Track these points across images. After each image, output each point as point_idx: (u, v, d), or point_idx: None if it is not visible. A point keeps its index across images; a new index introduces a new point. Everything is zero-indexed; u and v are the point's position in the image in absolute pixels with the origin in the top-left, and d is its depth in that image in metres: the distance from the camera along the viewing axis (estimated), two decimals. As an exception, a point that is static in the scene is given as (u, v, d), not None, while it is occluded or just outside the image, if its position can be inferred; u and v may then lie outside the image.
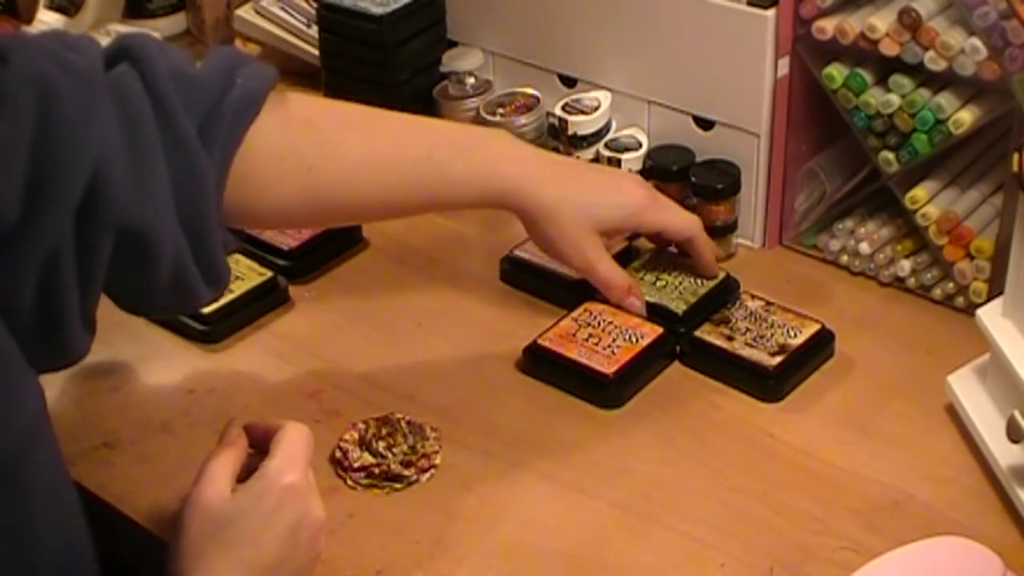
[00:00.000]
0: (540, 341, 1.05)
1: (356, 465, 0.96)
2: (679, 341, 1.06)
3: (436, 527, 0.92)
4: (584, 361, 1.03)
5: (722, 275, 1.10)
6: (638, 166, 1.19)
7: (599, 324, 1.06)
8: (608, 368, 1.02)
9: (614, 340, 1.04)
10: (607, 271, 1.04)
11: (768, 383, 1.02)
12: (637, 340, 1.04)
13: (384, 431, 0.98)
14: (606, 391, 1.02)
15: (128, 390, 1.05)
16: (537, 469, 0.97)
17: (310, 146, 0.95)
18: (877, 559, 0.83)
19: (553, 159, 1.09)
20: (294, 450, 0.83)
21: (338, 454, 0.97)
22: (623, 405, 1.02)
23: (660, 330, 1.05)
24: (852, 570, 0.83)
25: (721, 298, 1.08)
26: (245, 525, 0.80)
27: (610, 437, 1.00)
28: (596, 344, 1.04)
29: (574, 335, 1.05)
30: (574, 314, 1.07)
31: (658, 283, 1.09)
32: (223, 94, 0.90)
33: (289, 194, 0.94)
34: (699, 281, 1.09)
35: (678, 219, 1.07)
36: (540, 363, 1.05)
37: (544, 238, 1.03)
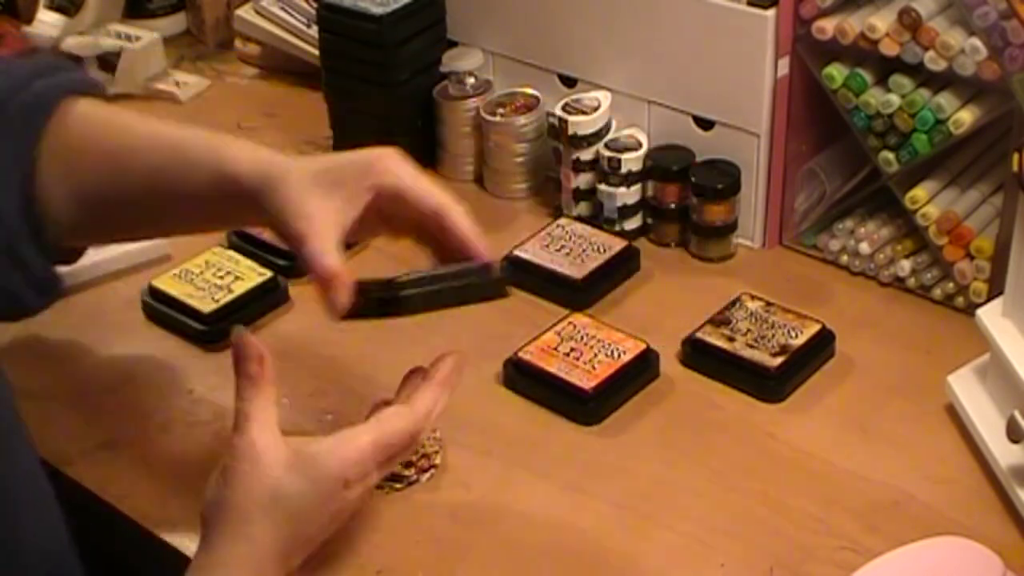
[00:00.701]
0: (521, 354, 1.05)
1: (356, 465, 0.96)
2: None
3: (436, 527, 0.92)
4: (563, 376, 1.02)
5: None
6: (638, 166, 1.19)
7: (581, 338, 1.05)
8: (587, 384, 1.01)
9: (595, 355, 1.03)
10: (319, 249, 0.85)
11: (770, 384, 1.02)
12: (619, 356, 1.03)
13: (384, 431, 0.98)
14: (585, 407, 1.01)
15: (128, 390, 1.05)
16: (537, 469, 0.97)
17: (92, 129, 0.94)
18: (877, 559, 0.83)
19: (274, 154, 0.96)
20: (373, 444, 0.82)
21: (338, 454, 0.97)
22: (602, 421, 1.01)
23: (642, 346, 1.04)
24: (852, 570, 0.83)
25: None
26: (297, 505, 0.79)
27: (610, 437, 1.00)
28: (577, 359, 1.03)
29: (555, 349, 1.05)
30: (557, 327, 1.07)
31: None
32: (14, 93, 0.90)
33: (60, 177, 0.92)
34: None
35: (423, 182, 0.90)
36: (521, 376, 1.04)
37: (271, 209, 0.87)
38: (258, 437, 0.80)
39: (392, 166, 0.88)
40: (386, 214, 0.89)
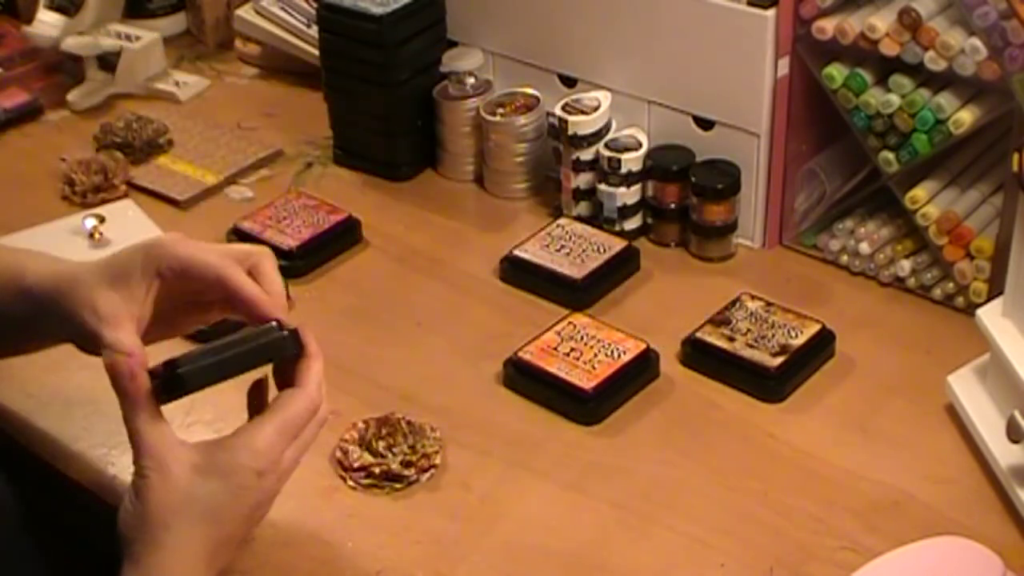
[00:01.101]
0: (521, 354, 1.05)
1: (356, 465, 0.96)
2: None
3: (436, 527, 0.92)
4: (563, 376, 1.02)
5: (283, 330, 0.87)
6: (638, 166, 1.19)
7: (581, 338, 1.05)
8: (587, 384, 1.01)
9: (595, 355, 1.03)
10: (127, 333, 0.83)
11: (770, 384, 1.02)
12: (619, 356, 1.03)
13: (384, 431, 0.98)
14: (585, 407, 1.01)
15: (128, 390, 1.05)
16: (537, 469, 0.97)
17: None
18: (877, 559, 0.83)
19: (56, 266, 0.93)
20: (277, 430, 0.80)
21: (338, 454, 0.98)
22: (602, 421, 1.01)
23: (642, 346, 1.04)
24: (852, 570, 0.83)
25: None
26: (213, 504, 0.79)
27: (610, 437, 1.00)
28: (577, 359, 1.03)
29: (555, 349, 1.05)
30: (557, 327, 1.07)
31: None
32: None
33: None
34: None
35: (205, 255, 0.86)
36: (521, 376, 1.04)
37: (66, 315, 0.85)
38: (158, 447, 0.79)
39: (169, 247, 0.86)
40: (188, 297, 0.88)
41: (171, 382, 0.80)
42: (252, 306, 0.84)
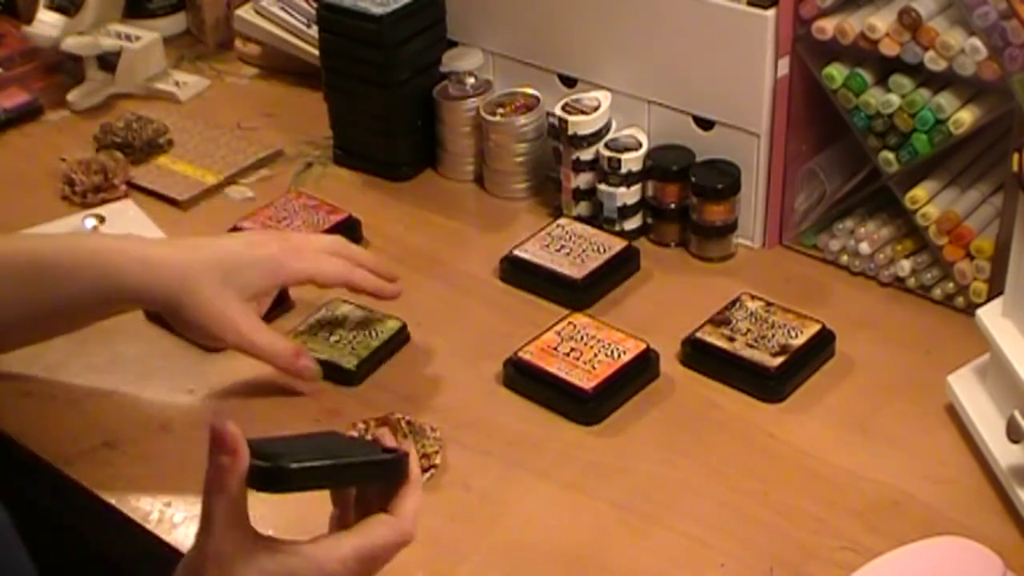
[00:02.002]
0: (521, 354, 1.04)
1: (356, 465, 0.96)
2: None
3: (436, 527, 0.92)
4: (563, 376, 1.02)
5: (397, 325, 1.05)
6: (638, 166, 1.19)
7: (581, 338, 1.05)
8: (587, 384, 1.01)
9: (595, 355, 1.03)
10: (268, 342, 0.96)
11: (770, 384, 1.02)
12: (619, 356, 1.03)
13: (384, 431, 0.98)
14: (585, 407, 1.01)
15: (128, 390, 1.05)
16: (537, 469, 0.97)
17: None
18: (877, 559, 0.83)
19: (172, 241, 1.02)
20: (357, 555, 0.76)
21: (338, 454, 0.97)
22: (602, 421, 1.01)
23: (642, 346, 1.04)
24: (852, 570, 0.83)
25: (396, 344, 1.03)
26: None
27: (610, 437, 1.00)
28: (577, 359, 1.03)
29: (555, 349, 1.04)
30: (557, 327, 1.07)
31: (332, 339, 1.06)
32: None
33: None
34: (373, 334, 1.06)
35: (325, 265, 1.00)
36: (520, 376, 1.04)
37: (190, 325, 0.95)
38: (228, 542, 0.73)
39: (298, 268, 0.97)
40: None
41: (275, 475, 0.73)
42: (377, 293, 1.02)
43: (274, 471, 0.73)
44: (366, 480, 0.80)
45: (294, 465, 0.74)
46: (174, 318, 0.96)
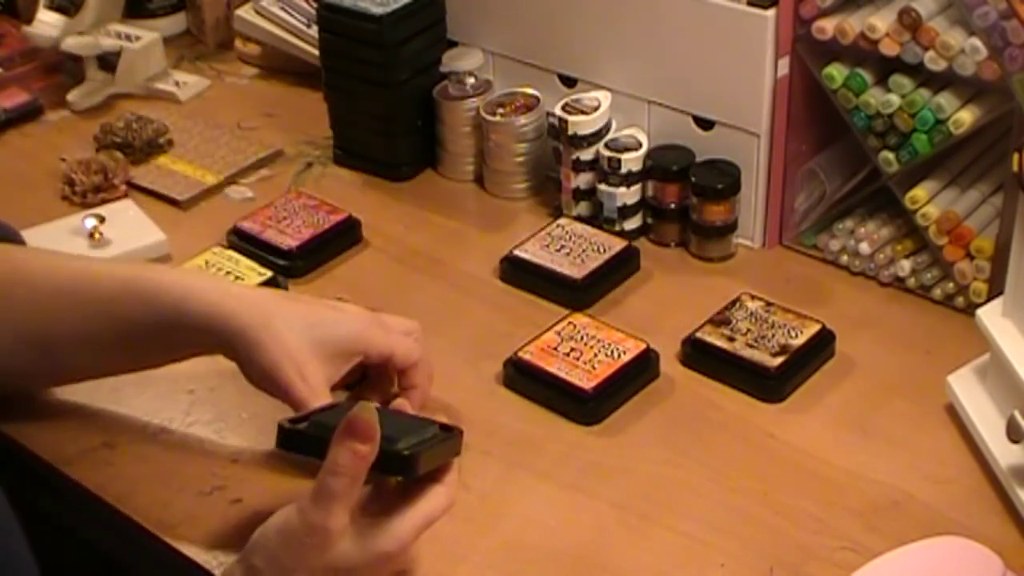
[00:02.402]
0: (521, 354, 1.04)
1: (356, 465, 0.96)
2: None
3: (436, 527, 0.92)
4: (563, 376, 1.02)
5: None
6: (638, 166, 1.19)
7: (581, 338, 1.05)
8: (587, 384, 1.01)
9: (595, 355, 1.03)
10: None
11: (770, 384, 1.02)
12: (619, 356, 1.03)
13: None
14: (585, 407, 1.01)
15: (128, 390, 1.05)
16: (537, 469, 0.97)
17: None
18: (877, 559, 0.83)
19: (259, 290, 1.01)
20: (418, 526, 0.82)
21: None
22: (602, 421, 1.01)
23: (642, 346, 1.04)
24: (852, 570, 0.83)
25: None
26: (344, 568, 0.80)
27: (610, 437, 1.00)
28: (577, 359, 1.03)
29: (555, 349, 1.04)
30: (557, 327, 1.07)
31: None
32: None
33: None
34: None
35: (404, 342, 0.96)
36: (520, 376, 1.04)
37: (257, 368, 0.90)
38: (336, 524, 0.78)
39: (382, 339, 0.94)
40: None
41: (396, 461, 0.79)
42: (423, 391, 0.96)
43: (393, 457, 0.79)
44: (451, 458, 0.86)
45: (408, 451, 0.79)
46: (246, 353, 0.90)
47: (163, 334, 0.93)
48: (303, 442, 0.83)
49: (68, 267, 0.97)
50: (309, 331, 0.90)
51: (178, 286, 0.92)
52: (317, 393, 0.89)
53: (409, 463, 0.80)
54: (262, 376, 0.90)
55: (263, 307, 0.91)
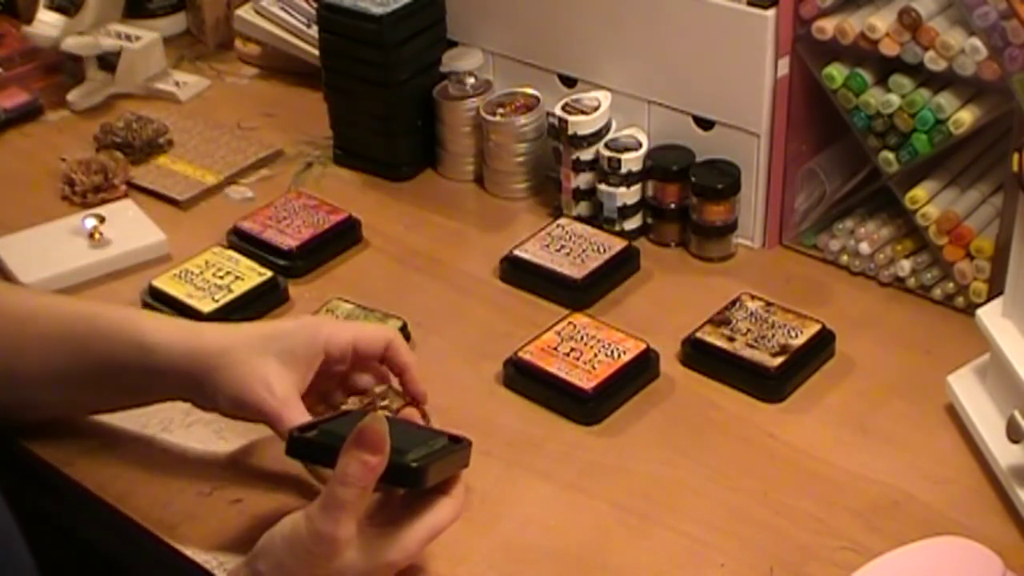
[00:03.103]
0: (521, 354, 1.04)
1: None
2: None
3: (436, 527, 0.92)
4: (563, 376, 1.02)
5: (397, 324, 0.97)
6: (638, 166, 1.19)
7: (581, 338, 1.05)
8: (587, 384, 1.01)
9: (595, 355, 1.03)
10: (302, 414, 0.89)
11: (770, 384, 1.02)
12: (619, 356, 1.03)
13: (384, 431, 0.98)
14: (585, 407, 1.01)
15: (128, 390, 1.05)
16: (537, 469, 0.97)
17: None
18: (877, 559, 0.83)
19: (212, 324, 1.00)
20: (425, 538, 0.83)
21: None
22: (602, 421, 1.01)
23: (642, 346, 1.04)
24: (852, 570, 0.83)
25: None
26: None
27: (610, 437, 1.00)
28: (577, 359, 1.03)
29: (555, 349, 1.04)
30: (557, 327, 1.07)
31: None
32: None
33: None
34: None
35: (368, 327, 0.98)
36: (521, 376, 1.04)
37: (225, 395, 0.90)
38: (344, 534, 0.79)
39: (341, 330, 0.92)
40: (320, 383, 0.93)
41: (405, 473, 0.80)
42: (409, 370, 0.93)
43: (401, 469, 0.79)
44: (460, 470, 0.86)
45: (417, 464, 0.80)
46: (212, 384, 0.90)
47: (127, 375, 0.93)
48: (312, 450, 0.83)
49: (36, 301, 0.98)
50: (268, 346, 0.90)
51: (138, 326, 0.93)
52: (288, 404, 0.88)
53: (418, 475, 0.80)
54: (232, 401, 0.90)
55: (220, 339, 0.91)
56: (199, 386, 0.91)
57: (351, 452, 0.78)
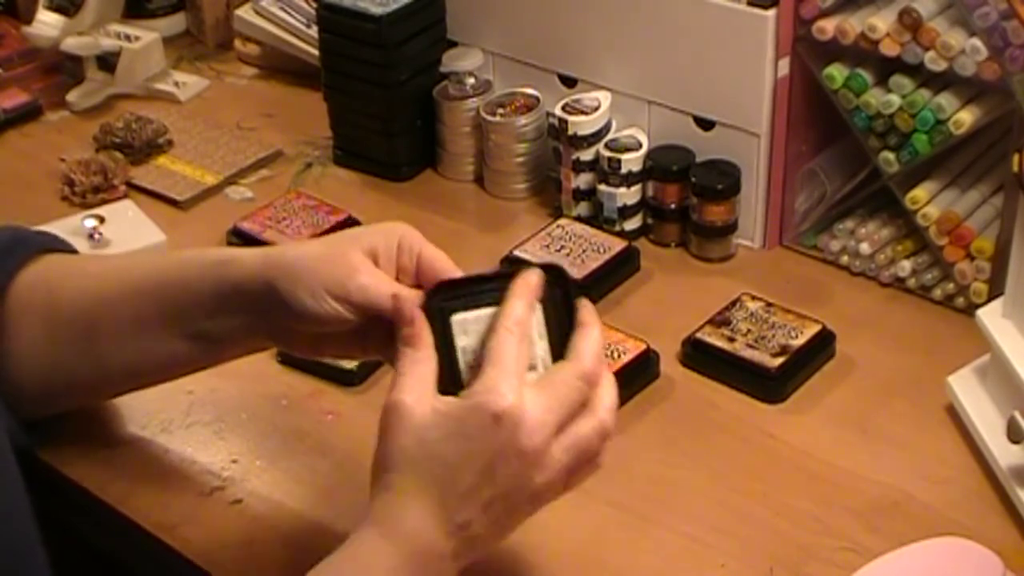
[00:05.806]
0: None
1: (356, 465, 0.96)
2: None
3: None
4: None
5: None
6: (638, 166, 1.19)
7: None
8: None
9: None
10: (389, 287, 0.83)
11: (770, 384, 1.02)
12: (619, 356, 1.03)
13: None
14: None
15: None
16: (537, 469, 0.97)
17: (51, 279, 0.94)
18: (877, 559, 0.83)
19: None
20: (508, 359, 0.76)
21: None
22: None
23: (642, 346, 1.04)
24: (852, 570, 0.83)
25: None
26: (439, 450, 0.75)
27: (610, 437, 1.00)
28: None
29: None
30: None
31: None
32: None
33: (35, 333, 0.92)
34: None
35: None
36: None
37: (308, 288, 0.82)
38: (405, 395, 0.76)
39: (416, 235, 0.88)
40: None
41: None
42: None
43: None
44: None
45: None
46: (287, 286, 0.82)
47: (206, 295, 0.87)
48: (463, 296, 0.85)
49: (116, 260, 0.99)
50: (344, 238, 0.86)
51: (214, 249, 0.94)
52: (392, 283, 0.83)
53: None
54: (326, 294, 0.81)
55: (295, 247, 0.86)
56: (277, 293, 0.83)
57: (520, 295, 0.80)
